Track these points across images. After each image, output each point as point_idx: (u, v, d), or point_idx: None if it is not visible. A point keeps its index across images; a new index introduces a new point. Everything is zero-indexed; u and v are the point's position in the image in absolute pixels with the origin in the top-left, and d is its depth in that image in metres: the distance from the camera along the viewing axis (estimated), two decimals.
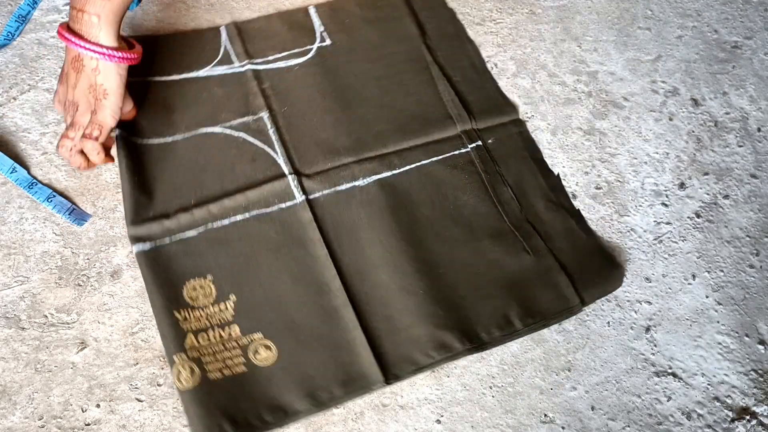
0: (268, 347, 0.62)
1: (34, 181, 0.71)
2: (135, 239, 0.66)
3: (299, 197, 0.70)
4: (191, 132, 0.74)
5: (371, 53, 0.82)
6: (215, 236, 0.67)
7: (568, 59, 0.86)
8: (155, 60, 0.78)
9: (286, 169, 0.72)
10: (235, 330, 0.63)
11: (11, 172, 0.71)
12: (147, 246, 0.65)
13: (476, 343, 0.64)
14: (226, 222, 0.68)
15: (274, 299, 0.65)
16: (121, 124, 0.71)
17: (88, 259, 0.67)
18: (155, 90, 0.76)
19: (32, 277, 0.66)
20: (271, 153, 0.73)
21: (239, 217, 0.68)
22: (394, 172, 0.73)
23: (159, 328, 0.62)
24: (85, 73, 0.64)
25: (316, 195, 0.71)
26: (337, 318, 0.64)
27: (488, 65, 0.84)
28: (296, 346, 0.63)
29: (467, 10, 0.89)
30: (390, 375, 0.62)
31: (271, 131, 0.74)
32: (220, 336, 0.62)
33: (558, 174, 0.76)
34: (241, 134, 0.74)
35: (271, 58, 0.80)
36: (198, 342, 0.61)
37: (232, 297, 0.64)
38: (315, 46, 0.81)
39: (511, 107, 0.81)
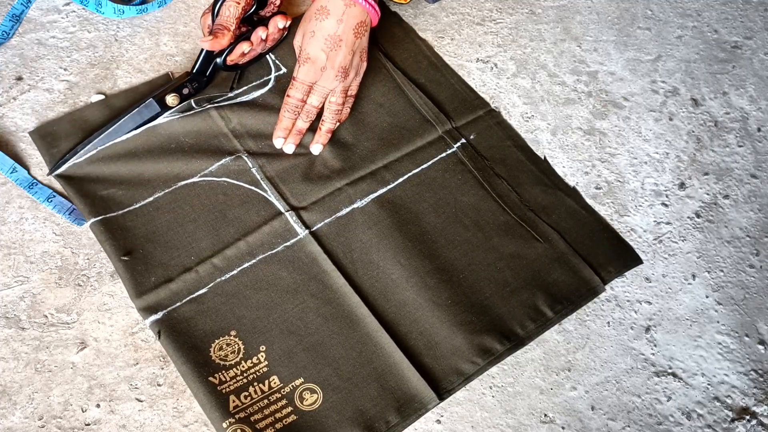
0: (312, 390, 0.61)
1: (35, 181, 0.71)
2: (145, 311, 0.63)
3: (302, 232, 0.68)
4: (170, 187, 0.70)
5: None
6: (227, 289, 0.65)
7: (568, 59, 0.86)
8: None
9: (280, 206, 0.70)
10: (275, 380, 0.61)
11: (11, 172, 0.71)
12: (159, 315, 0.63)
13: (515, 341, 0.64)
14: (234, 272, 0.66)
15: (305, 341, 0.63)
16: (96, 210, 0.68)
17: (88, 259, 0.67)
18: (120, 153, 0.72)
19: (32, 277, 0.66)
20: (261, 192, 0.71)
21: (246, 265, 0.66)
22: (389, 186, 0.72)
23: (197, 398, 0.60)
24: (366, 36, 0.69)
25: (319, 225, 0.69)
26: (373, 345, 0.63)
27: (488, 65, 0.84)
28: (341, 383, 0.61)
29: (467, 10, 0.89)
30: (441, 390, 0.61)
31: (254, 170, 0.72)
32: (262, 390, 0.60)
33: (545, 157, 0.77)
34: (224, 179, 0.71)
35: (231, 94, 0.77)
36: (242, 402, 0.59)
37: (262, 348, 0.62)
38: (272, 76, 0.79)
39: (481, 100, 0.80)
